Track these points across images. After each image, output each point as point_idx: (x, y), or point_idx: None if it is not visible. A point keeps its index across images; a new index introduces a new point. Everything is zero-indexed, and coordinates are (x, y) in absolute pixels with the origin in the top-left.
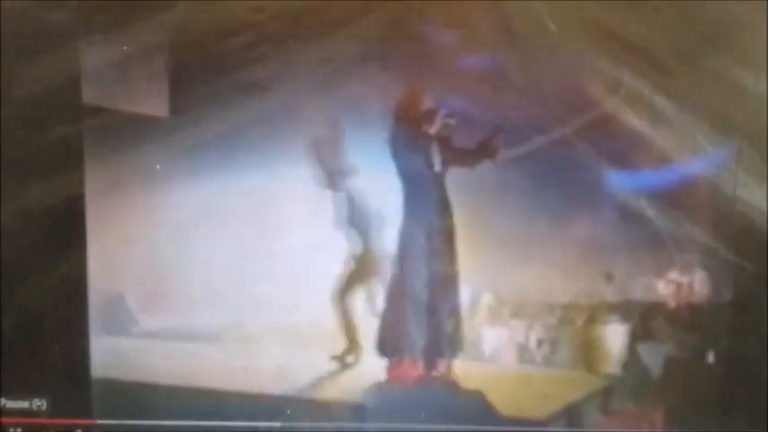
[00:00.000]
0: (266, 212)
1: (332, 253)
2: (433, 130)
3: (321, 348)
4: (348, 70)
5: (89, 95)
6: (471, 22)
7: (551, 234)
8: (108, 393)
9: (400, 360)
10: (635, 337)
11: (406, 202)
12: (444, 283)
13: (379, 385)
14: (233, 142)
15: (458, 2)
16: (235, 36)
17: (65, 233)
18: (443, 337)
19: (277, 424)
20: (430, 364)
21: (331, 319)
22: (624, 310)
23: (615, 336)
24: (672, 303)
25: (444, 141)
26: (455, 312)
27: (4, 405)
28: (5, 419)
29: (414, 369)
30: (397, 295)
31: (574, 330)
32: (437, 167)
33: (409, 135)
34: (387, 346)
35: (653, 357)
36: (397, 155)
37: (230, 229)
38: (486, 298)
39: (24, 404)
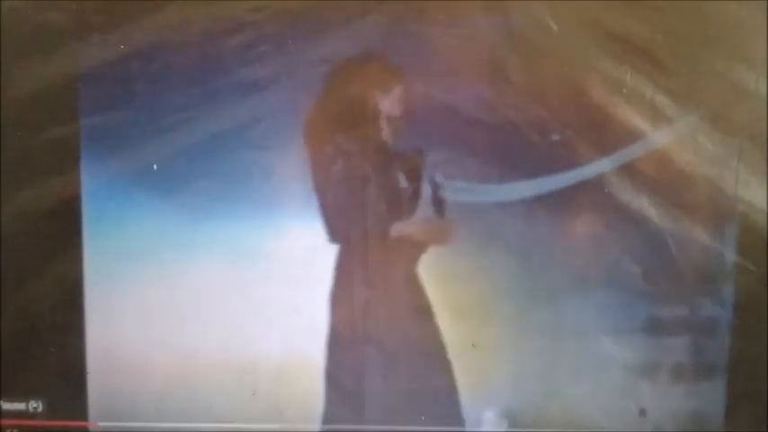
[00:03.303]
0: (265, 214)
1: (330, 256)
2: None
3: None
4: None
5: (86, 96)
6: (471, 21)
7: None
8: (104, 395)
9: None
10: None
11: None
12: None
13: None
14: (231, 142)
15: (457, 2)
16: (233, 36)
17: (60, 235)
18: None
19: (274, 426)
20: None
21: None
22: None
23: None
24: None
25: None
26: None
27: (0, 407)
28: (1, 421)
29: None
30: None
31: None
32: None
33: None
34: None
35: None
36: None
37: (228, 231)
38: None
39: (21, 406)
